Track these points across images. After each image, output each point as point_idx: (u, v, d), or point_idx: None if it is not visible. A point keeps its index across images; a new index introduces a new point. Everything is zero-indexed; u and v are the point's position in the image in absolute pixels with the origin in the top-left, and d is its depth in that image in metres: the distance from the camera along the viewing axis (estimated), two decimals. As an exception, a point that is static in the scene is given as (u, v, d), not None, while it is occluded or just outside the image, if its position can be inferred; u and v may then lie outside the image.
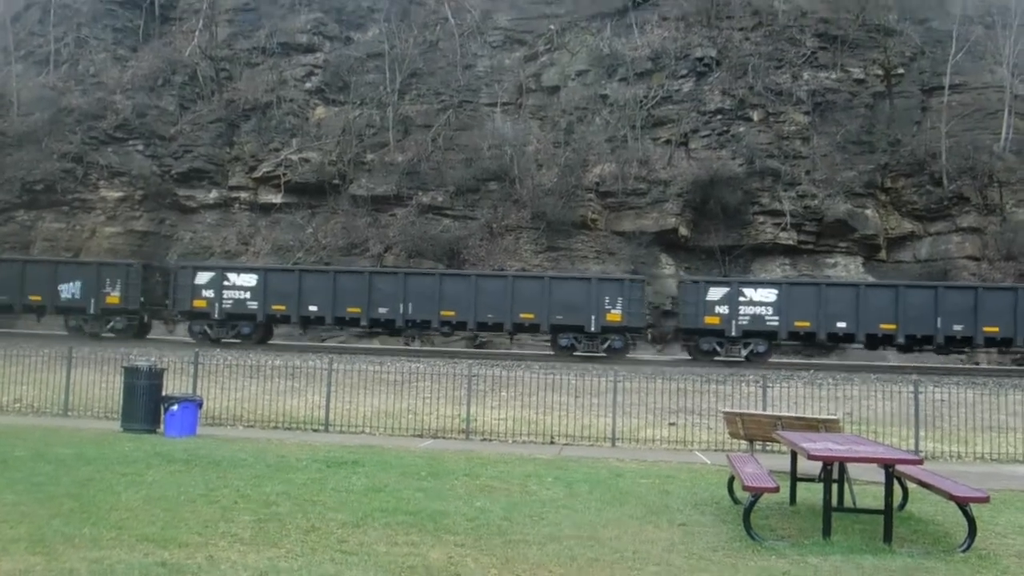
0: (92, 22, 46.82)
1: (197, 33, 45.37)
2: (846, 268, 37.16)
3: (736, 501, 9.83)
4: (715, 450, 15.10)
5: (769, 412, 14.61)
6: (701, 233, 38.05)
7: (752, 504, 8.26)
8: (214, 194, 42.43)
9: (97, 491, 9.29)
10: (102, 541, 7.17)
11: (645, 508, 9.50)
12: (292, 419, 16.98)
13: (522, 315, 29.00)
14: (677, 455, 14.69)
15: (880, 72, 39.36)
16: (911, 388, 16.25)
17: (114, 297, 30.92)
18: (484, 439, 16.11)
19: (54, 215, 41.92)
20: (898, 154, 38.26)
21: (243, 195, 42.33)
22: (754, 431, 12.59)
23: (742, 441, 13.43)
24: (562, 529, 8.29)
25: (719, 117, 39.04)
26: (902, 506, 9.67)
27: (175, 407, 14.58)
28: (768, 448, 14.33)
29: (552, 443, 15.81)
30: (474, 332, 31.37)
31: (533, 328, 29.72)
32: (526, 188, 38.66)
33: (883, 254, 38.14)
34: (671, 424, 16.92)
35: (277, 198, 41.53)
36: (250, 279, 30.33)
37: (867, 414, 17.00)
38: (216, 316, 30.20)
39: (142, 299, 31.33)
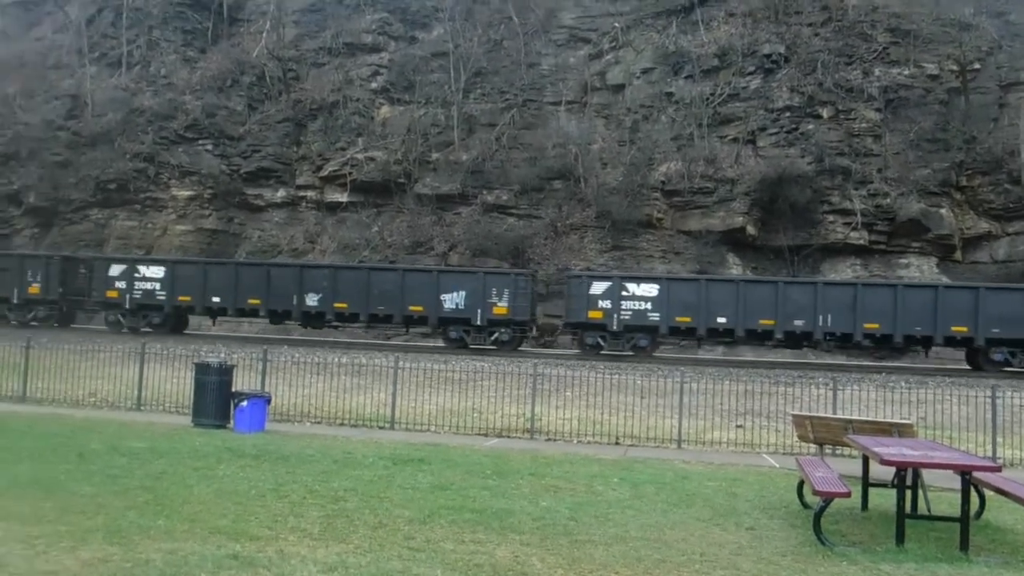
0: (163, 24, 47.89)
1: (264, 34, 46.16)
2: (919, 269, 36.19)
3: (806, 506, 9.68)
4: (783, 453, 14.87)
5: (839, 415, 14.30)
6: (769, 232, 37.42)
7: (823, 509, 8.13)
8: (281, 193, 43.12)
9: (170, 484, 9.51)
10: (176, 533, 7.34)
11: (712, 511, 9.39)
12: (358, 416, 17.14)
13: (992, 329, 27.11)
14: (744, 458, 14.50)
15: (955, 67, 38.16)
16: (988, 392, 15.79)
17: (501, 308, 29.72)
18: (549, 439, 16.07)
19: (127, 213, 43.07)
20: (974, 152, 37.12)
21: (310, 194, 42.93)
22: (824, 435, 12.32)
23: (811, 445, 13.17)
24: (628, 530, 8.24)
25: (787, 114, 38.28)
26: (979, 514, 9.41)
27: (244, 403, 14.86)
28: (838, 452, 14.05)
29: (617, 444, 15.72)
30: (901, 346, 29.16)
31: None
32: (591, 187, 38.49)
33: (958, 255, 37.07)
34: (738, 426, 16.68)
35: (343, 197, 42.03)
36: (651, 289, 28.75)
37: (941, 419, 16.53)
38: (614, 328, 28.62)
39: (530, 309, 30.40)
